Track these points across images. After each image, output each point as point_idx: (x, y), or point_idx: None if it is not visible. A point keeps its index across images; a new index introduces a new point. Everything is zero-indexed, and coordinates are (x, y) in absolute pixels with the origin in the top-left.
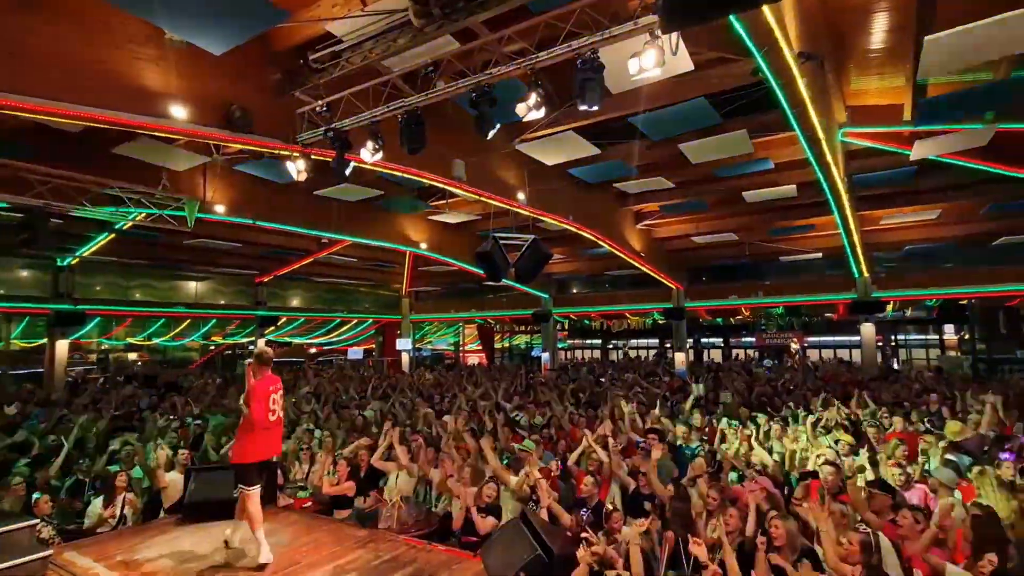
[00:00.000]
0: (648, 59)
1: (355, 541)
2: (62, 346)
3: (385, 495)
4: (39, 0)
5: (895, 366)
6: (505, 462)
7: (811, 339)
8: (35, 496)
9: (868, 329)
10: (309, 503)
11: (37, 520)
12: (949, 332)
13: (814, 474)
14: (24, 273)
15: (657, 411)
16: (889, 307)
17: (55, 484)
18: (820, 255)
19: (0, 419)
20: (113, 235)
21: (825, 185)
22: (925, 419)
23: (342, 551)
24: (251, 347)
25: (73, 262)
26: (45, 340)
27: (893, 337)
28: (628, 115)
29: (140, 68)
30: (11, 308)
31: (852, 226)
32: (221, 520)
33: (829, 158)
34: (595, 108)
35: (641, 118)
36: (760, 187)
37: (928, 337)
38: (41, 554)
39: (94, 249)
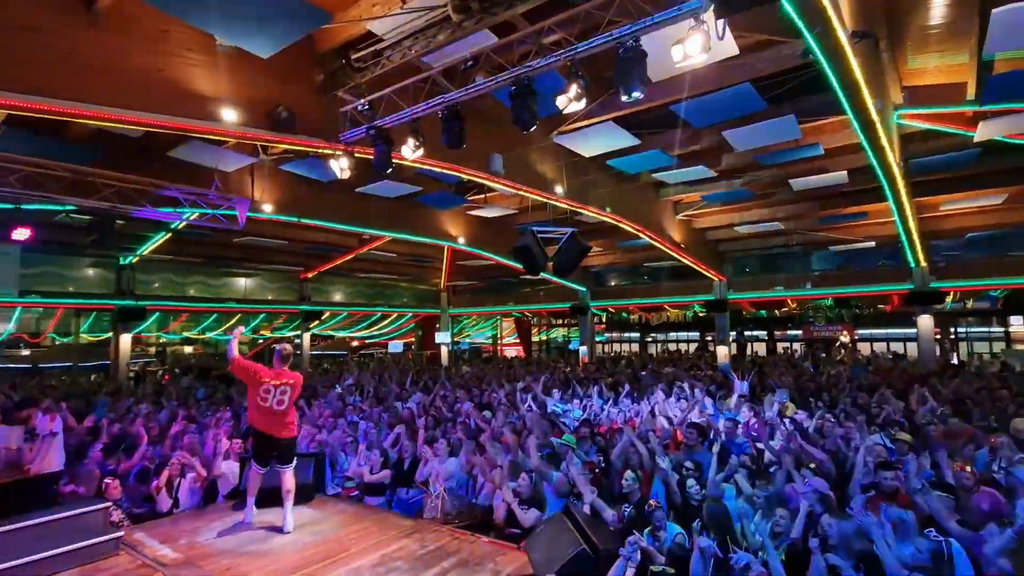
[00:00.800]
0: (693, 45)
1: (401, 531)
2: (125, 340)
3: (429, 487)
4: (105, 16)
5: (954, 360)
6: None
7: (862, 331)
8: (105, 481)
9: (925, 321)
10: (356, 492)
11: (109, 503)
12: (1016, 324)
13: (876, 485)
14: (90, 272)
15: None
16: (948, 298)
17: (123, 470)
18: (873, 244)
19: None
20: (169, 235)
21: (879, 170)
22: (992, 417)
23: (388, 540)
24: (297, 340)
25: (134, 261)
26: (110, 334)
27: (953, 330)
28: (669, 103)
29: (193, 74)
30: (80, 304)
31: (908, 213)
32: (275, 506)
33: (884, 141)
34: (638, 97)
35: (683, 106)
36: (808, 174)
37: (992, 329)
38: (113, 535)
39: (152, 248)
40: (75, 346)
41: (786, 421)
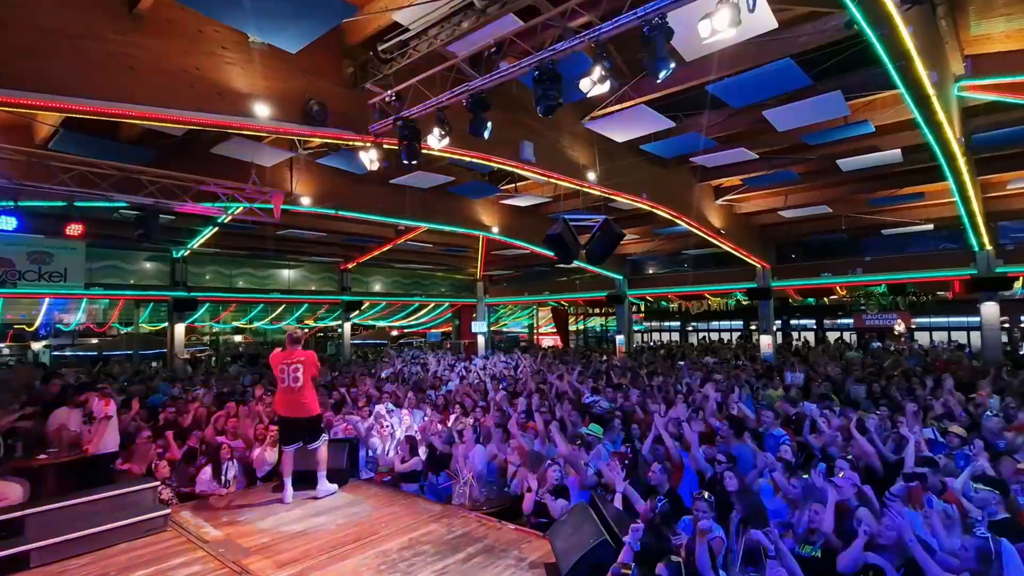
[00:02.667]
0: (721, 19)
1: (430, 515)
2: (180, 329)
3: (459, 474)
4: (147, 19)
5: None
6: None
7: (920, 320)
8: (156, 462)
9: (990, 309)
10: (389, 477)
11: (158, 482)
12: None
13: (922, 476)
14: (147, 265)
15: (737, 397)
16: (1017, 284)
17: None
18: (931, 226)
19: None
20: (216, 228)
21: (937, 148)
22: None
23: (418, 524)
24: (339, 330)
25: (186, 254)
26: (166, 324)
27: (1022, 318)
28: (705, 83)
29: (229, 72)
30: (138, 296)
31: (970, 193)
32: (310, 488)
33: (941, 117)
34: (665, 77)
35: (720, 85)
36: (858, 153)
37: None
38: (162, 512)
39: (202, 242)
40: (136, 335)
41: (825, 412)
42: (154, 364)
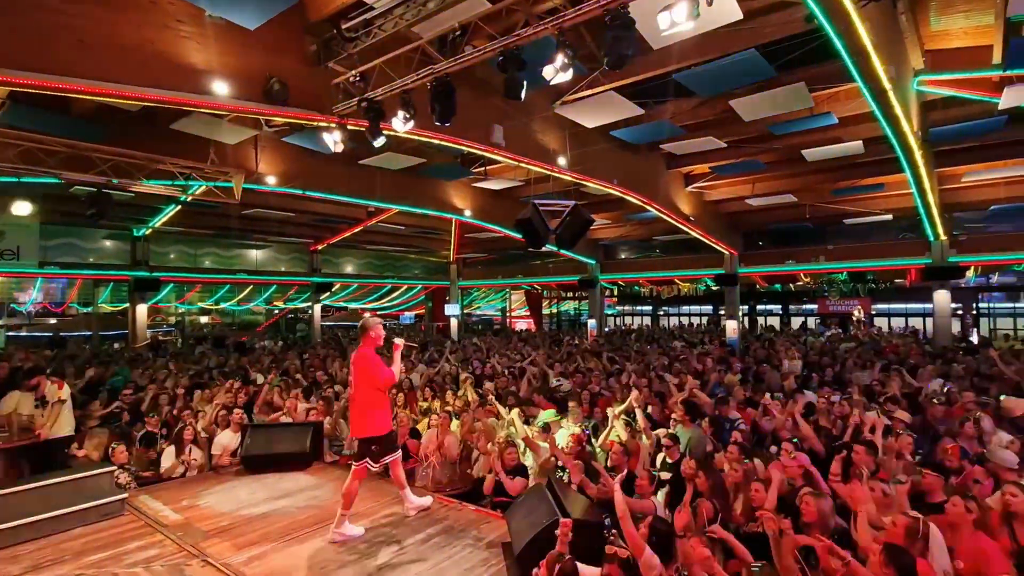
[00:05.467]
0: (680, 12)
1: (392, 497)
2: (142, 310)
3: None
4: None
5: (973, 337)
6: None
7: (879, 306)
8: (113, 446)
9: (942, 296)
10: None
11: (115, 467)
12: None
13: (848, 446)
14: (107, 243)
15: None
16: (969, 272)
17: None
18: (891, 216)
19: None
20: (179, 207)
21: (894, 140)
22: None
23: (379, 506)
24: (309, 312)
25: (147, 233)
26: (127, 304)
27: (975, 305)
28: (673, 71)
29: (184, 47)
30: (97, 275)
31: (927, 185)
32: (272, 472)
33: (898, 110)
34: (623, 67)
35: (688, 74)
36: (822, 144)
37: (1018, 305)
38: (118, 496)
39: (164, 220)
40: (96, 316)
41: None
42: (116, 345)
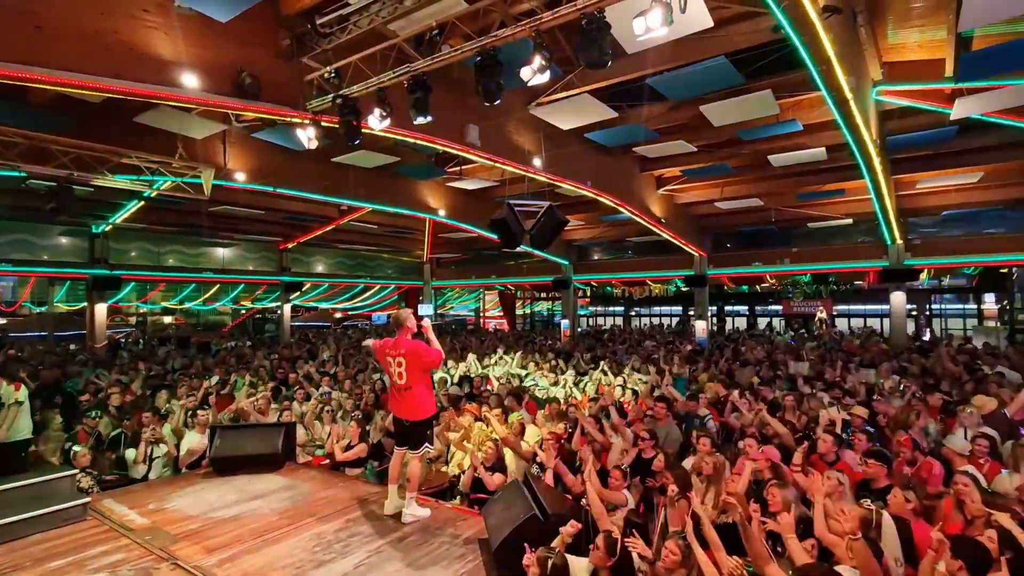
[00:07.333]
0: (654, 18)
1: (367, 497)
2: (101, 309)
3: None
4: None
5: (926, 337)
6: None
7: (840, 307)
8: (74, 449)
9: (898, 298)
10: (327, 461)
11: (77, 471)
12: (989, 302)
13: (810, 438)
14: (63, 240)
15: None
16: (924, 275)
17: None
18: (851, 221)
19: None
20: (142, 203)
21: (855, 148)
22: (953, 392)
23: (355, 506)
24: (278, 311)
25: (107, 229)
26: (85, 304)
27: (928, 306)
28: (646, 76)
29: (151, 37)
30: (52, 273)
31: (884, 191)
32: (242, 474)
33: (859, 119)
34: (598, 70)
35: (660, 79)
36: (787, 150)
37: (967, 307)
38: (80, 501)
39: (126, 216)
40: (51, 316)
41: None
42: (72, 347)
